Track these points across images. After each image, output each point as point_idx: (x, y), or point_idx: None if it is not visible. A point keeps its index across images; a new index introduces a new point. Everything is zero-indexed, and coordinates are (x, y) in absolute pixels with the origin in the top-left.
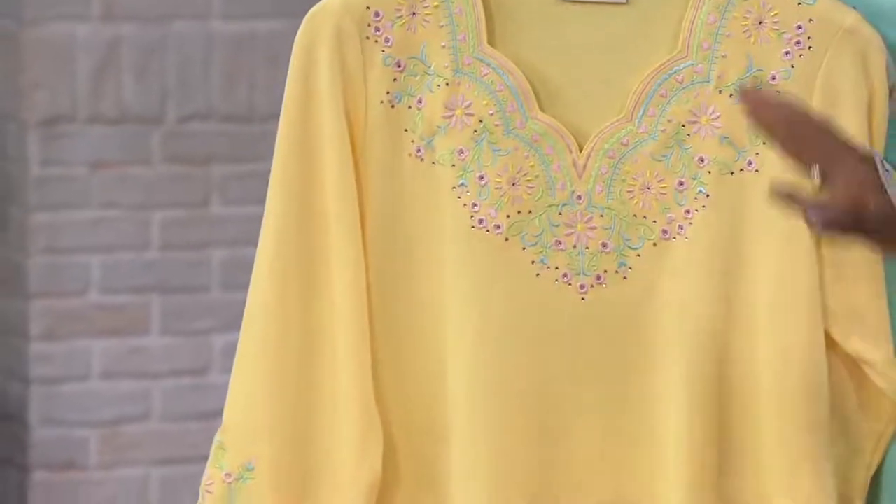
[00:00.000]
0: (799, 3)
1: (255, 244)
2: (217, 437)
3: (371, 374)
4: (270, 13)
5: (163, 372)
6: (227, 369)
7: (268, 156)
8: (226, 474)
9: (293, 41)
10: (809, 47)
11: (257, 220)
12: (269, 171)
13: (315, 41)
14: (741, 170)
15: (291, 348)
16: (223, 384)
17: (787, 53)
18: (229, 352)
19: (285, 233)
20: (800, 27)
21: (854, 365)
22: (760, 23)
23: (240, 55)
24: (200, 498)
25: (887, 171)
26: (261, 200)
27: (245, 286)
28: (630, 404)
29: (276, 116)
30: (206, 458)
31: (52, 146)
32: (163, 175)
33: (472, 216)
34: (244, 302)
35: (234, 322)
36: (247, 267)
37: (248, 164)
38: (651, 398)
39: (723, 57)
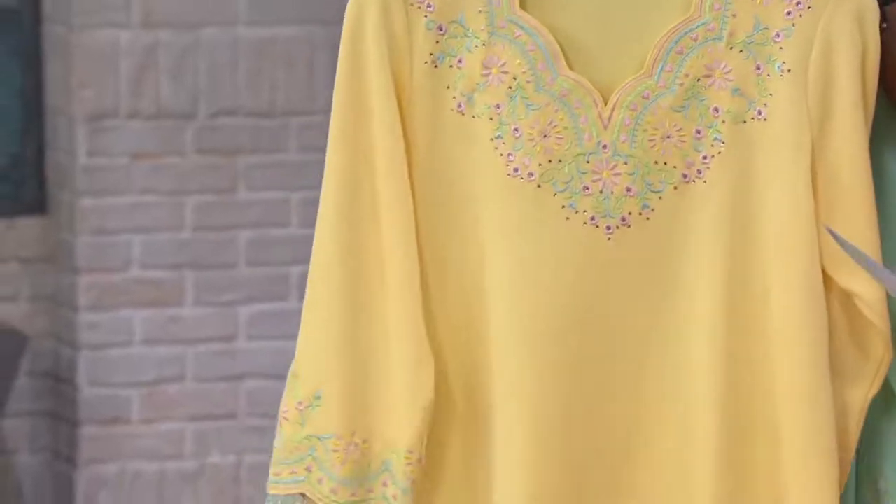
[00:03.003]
0: None
1: (277, 226)
2: (291, 369)
3: (421, 308)
4: (290, 20)
5: (196, 339)
6: (252, 336)
7: (288, 147)
8: (298, 402)
9: (310, 45)
10: (809, 7)
11: (279, 204)
12: (288, 162)
13: (364, 9)
14: (752, 118)
15: (351, 290)
16: (249, 350)
17: (788, 13)
18: (254, 321)
19: (343, 187)
20: None
21: (849, 301)
22: None
23: (263, 58)
24: (278, 425)
25: None
26: (281, 187)
27: (268, 263)
28: (655, 336)
29: (296, 112)
30: (233, 414)
31: (98, 139)
32: (195, 165)
33: (507, 165)
34: (267, 276)
35: (258, 294)
36: (269, 245)
37: (271, 155)
38: (675, 329)
39: (733, 16)
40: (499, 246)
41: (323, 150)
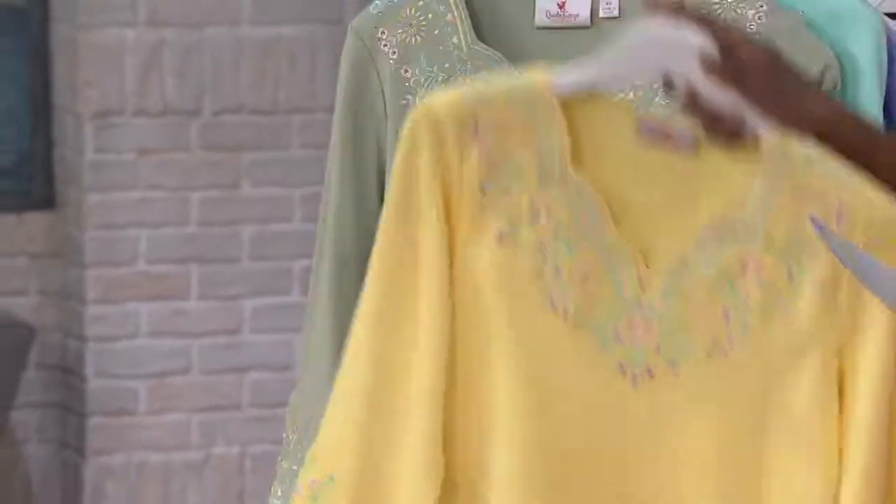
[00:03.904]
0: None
1: (280, 221)
2: (311, 449)
3: (441, 418)
4: (293, 20)
5: (201, 331)
6: (256, 329)
7: (290, 144)
8: (312, 480)
9: (312, 44)
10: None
11: (282, 199)
12: (291, 158)
13: (418, 140)
14: (779, 318)
15: (376, 390)
16: (252, 342)
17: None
18: (258, 314)
19: (384, 298)
20: None
21: None
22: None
23: (266, 57)
24: (291, 500)
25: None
26: (284, 183)
27: (271, 258)
28: (666, 496)
29: (298, 110)
30: (238, 405)
31: (104, 135)
32: (200, 161)
33: (543, 300)
34: (270, 270)
35: (261, 288)
36: (272, 240)
37: (274, 152)
38: (682, 497)
39: (774, 218)
40: (522, 376)
41: (324, 146)
